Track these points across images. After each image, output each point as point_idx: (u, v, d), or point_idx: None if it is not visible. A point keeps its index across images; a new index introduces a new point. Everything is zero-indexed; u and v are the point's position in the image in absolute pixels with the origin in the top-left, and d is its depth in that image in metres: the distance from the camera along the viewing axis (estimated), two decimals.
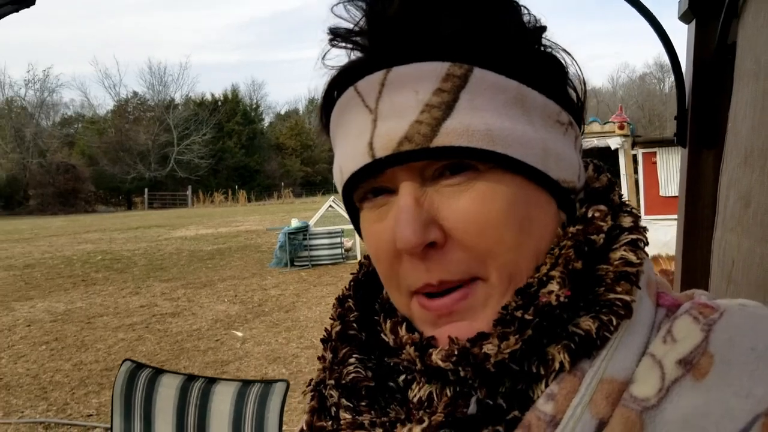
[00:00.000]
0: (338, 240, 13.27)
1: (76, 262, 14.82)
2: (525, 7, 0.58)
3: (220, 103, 56.92)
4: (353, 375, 0.61)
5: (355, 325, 0.65)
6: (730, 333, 0.49)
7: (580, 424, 0.48)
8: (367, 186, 0.57)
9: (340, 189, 0.60)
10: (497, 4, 0.56)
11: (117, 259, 15.20)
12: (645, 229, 0.58)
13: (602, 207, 0.57)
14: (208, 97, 58.27)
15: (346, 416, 0.58)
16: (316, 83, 0.61)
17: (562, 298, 0.51)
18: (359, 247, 13.54)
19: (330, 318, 0.68)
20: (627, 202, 0.60)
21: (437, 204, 0.53)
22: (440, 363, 0.53)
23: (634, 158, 10.63)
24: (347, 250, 13.59)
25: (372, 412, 0.58)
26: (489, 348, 0.51)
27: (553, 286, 0.52)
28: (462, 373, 0.52)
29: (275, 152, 59.08)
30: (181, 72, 79.99)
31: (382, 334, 0.62)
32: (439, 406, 0.54)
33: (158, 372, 2.23)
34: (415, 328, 0.59)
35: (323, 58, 0.59)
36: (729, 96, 2.22)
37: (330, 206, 13.87)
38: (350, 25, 0.57)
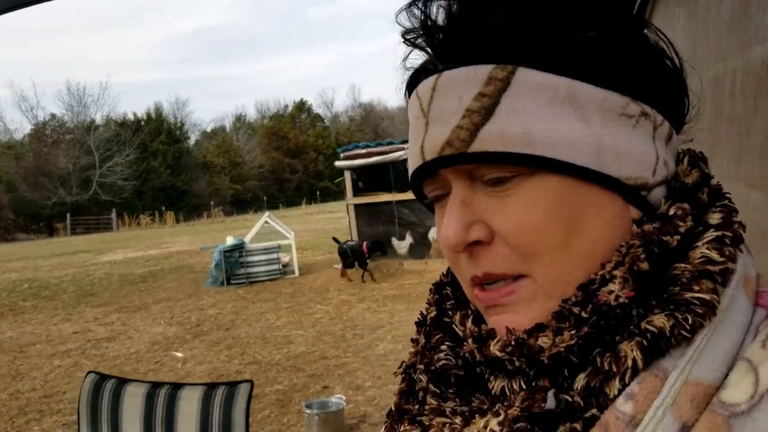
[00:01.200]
0: (275, 256, 13.22)
1: (2, 292, 14.23)
2: None
3: (143, 123, 55.65)
4: (443, 362, 0.61)
5: (450, 312, 0.64)
6: None
7: (661, 427, 0.47)
8: (430, 185, 0.59)
9: (411, 185, 0.62)
10: None
11: (44, 287, 14.67)
12: (740, 224, 0.54)
13: (685, 205, 0.54)
14: (131, 116, 56.96)
15: (432, 402, 0.59)
16: (397, 83, 0.63)
17: (622, 299, 0.50)
18: (296, 263, 13.58)
19: (426, 303, 0.68)
20: (725, 195, 0.56)
21: (484, 204, 0.54)
22: (497, 353, 0.54)
23: None
24: (285, 266, 13.55)
25: (457, 399, 0.58)
26: (544, 341, 0.51)
27: (614, 286, 0.51)
28: (517, 364, 0.53)
29: (203, 171, 58.10)
30: (101, 92, 77.53)
31: (453, 325, 0.62)
32: (516, 400, 0.53)
33: (123, 381, 2.29)
34: (481, 320, 0.59)
35: (405, 59, 0.61)
36: None
37: (266, 222, 13.82)
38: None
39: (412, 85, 0.60)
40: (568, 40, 0.53)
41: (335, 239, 12.88)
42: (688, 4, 2.06)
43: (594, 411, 0.50)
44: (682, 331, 0.48)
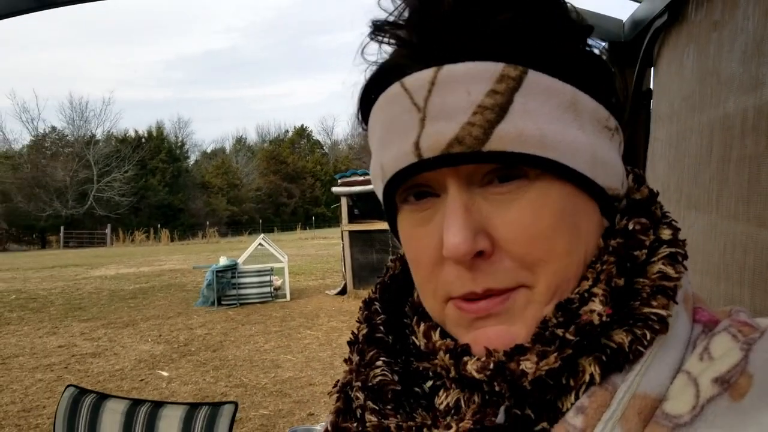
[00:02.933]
0: (268, 278, 13.10)
1: None
2: (573, 6, 0.56)
3: (143, 140, 55.87)
4: (380, 378, 0.59)
5: (382, 328, 0.63)
6: None
7: None
8: (410, 187, 0.55)
9: (380, 188, 0.58)
10: (552, 2, 0.54)
11: (32, 299, 14.51)
12: (684, 242, 0.55)
13: (644, 220, 0.54)
14: (131, 133, 57.16)
15: (371, 419, 0.57)
16: (353, 77, 0.59)
17: (604, 317, 0.50)
18: (288, 286, 13.47)
19: (357, 321, 0.67)
20: (667, 214, 0.58)
21: (486, 212, 0.51)
22: (475, 374, 0.51)
23: None
24: (276, 289, 13.44)
25: (398, 416, 0.56)
26: (527, 366, 0.50)
27: (596, 305, 0.50)
28: (497, 388, 0.51)
29: (200, 191, 58.14)
30: (103, 107, 78.02)
31: (413, 337, 0.60)
32: (467, 414, 0.53)
33: (103, 397, 2.21)
34: (447, 334, 0.57)
35: (362, 51, 0.57)
36: (646, 136, 2.45)
37: (260, 244, 13.74)
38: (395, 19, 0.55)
39: (389, 76, 0.54)
40: (574, 49, 0.54)
41: None
42: (699, 41, 2.04)
43: (544, 424, 0.50)
44: (639, 347, 0.49)
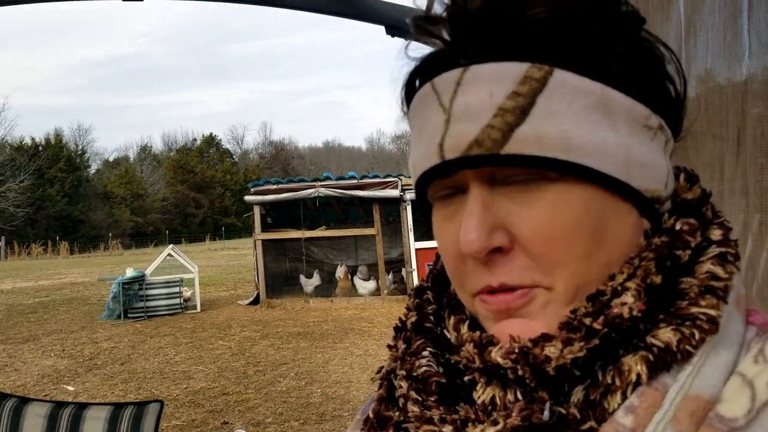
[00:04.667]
0: (177, 290, 12.81)
1: None
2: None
3: (41, 148, 53.26)
4: (425, 368, 0.58)
5: (432, 318, 0.63)
6: None
7: None
8: (438, 184, 0.55)
9: (413, 184, 0.59)
10: None
11: None
12: (736, 242, 0.54)
13: (692, 220, 0.54)
14: (28, 141, 54.36)
15: (414, 409, 0.57)
16: (397, 73, 0.59)
17: (635, 312, 0.49)
18: (199, 297, 13.26)
19: (405, 308, 0.66)
20: (720, 214, 0.57)
21: (506, 209, 0.52)
22: (499, 360, 0.51)
23: None
24: (186, 300, 13.17)
25: (441, 408, 0.56)
26: (551, 351, 0.50)
27: (627, 298, 0.50)
28: (520, 372, 0.51)
29: (102, 201, 55.93)
30: None
31: (444, 330, 0.61)
32: (514, 410, 0.51)
33: (24, 401, 2.23)
34: (476, 327, 0.58)
35: (406, 47, 0.58)
36: None
37: (169, 255, 13.45)
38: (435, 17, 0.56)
39: (423, 75, 0.56)
40: (605, 46, 0.52)
41: None
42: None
43: (592, 423, 0.50)
44: (688, 347, 0.48)
